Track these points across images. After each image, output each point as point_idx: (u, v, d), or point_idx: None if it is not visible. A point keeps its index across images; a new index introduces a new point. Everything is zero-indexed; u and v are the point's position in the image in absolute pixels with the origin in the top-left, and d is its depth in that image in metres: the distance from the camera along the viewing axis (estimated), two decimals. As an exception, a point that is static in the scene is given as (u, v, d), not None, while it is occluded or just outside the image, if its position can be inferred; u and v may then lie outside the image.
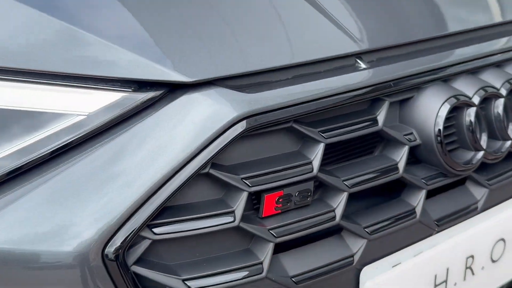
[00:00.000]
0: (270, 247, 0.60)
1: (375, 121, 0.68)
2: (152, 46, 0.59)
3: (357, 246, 0.65)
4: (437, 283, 0.73)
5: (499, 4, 0.87)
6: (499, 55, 0.80)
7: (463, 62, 0.76)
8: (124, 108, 0.58)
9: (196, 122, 0.58)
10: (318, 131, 0.63)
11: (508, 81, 0.77)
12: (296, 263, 0.62)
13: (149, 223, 0.55)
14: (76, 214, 0.54)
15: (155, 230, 0.55)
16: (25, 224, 0.52)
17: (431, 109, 0.70)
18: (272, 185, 0.61)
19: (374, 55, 0.71)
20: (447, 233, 0.73)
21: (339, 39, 0.69)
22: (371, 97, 0.68)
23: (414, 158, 0.73)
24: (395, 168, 0.69)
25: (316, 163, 0.62)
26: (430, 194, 0.73)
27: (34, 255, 0.52)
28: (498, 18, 0.85)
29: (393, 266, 0.68)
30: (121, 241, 0.54)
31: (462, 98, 0.71)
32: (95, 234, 0.53)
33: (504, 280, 0.84)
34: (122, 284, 0.54)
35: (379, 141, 0.71)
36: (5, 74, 0.57)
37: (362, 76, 0.68)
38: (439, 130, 0.70)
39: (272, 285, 0.60)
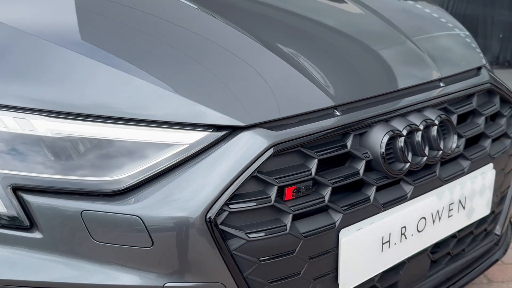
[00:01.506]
0: (290, 217, 1.06)
1: (345, 146, 1.16)
2: (223, 104, 1.06)
3: (337, 217, 1.12)
4: (383, 242, 1.20)
5: (418, 71, 1.38)
6: (419, 104, 1.29)
7: (397, 109, 1.25)
8: (208, 141, 1.04)
9: (247, 148, 1.05)
10: (314, 152, 1.11)
11: (424, 120, 1.25)
12: (304, 226, 1.08)
13: (227, 202, 1.01)
14: (189, 198, 1.00)
15: (230, 206, 1.01)
16: (171, 203, 0.98)
17: (378, 138, 1.18)
18: (289, 182, 1.07)
19: (345, 106, 1.19)
20: (389, 212, 1.20)
21: (324, 97, 1.17)
22: (343, 132, 1.16)
23: (369, 167, 1.21)
24: (357, 173, 1.16)
25: (313, 170, 1.09)
26: (378, 189, 1.20)
27: (172, 219, 0.98)
28: (419, 80, 1.35)
29: (357, 230, 1.15)
30: (213, 212, 0.99)
31: (396, 131, 1.19)
32: (199, 209, 0.99)
33: (426, 244, 1.32)
34: (214, 236, 1.00)
35: (348, 157, 1.19)
36: (145, 123, 1.03)
37: (337, 120, 1.15)
38: (383, 151, 1.18)
39: (291, 238, 1.07)
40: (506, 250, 1.63)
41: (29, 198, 0.98)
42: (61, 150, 1.00)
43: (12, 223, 0.98)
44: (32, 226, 0.98)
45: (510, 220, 1.69)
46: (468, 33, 1.71)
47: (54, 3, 1.34)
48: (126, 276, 0.98)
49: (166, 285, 0.99)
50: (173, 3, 1.40)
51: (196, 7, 1.37)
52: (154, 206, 0.98)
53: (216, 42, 1.22)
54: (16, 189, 0.98)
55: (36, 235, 0.98)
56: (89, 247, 0.98)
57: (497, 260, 1.59)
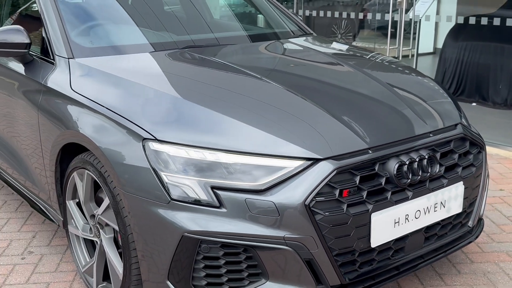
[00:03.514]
0: (345, 205, 2.06)
1: (374, 169, 2.15)
2: (311, 146, 2.09)
3: (370, 207, 2.10)
4: (395, 222, 2.19)
5: (416, 127, 2.37)
6: (416, 146, 2.28)
7: (404, 149, 2.24)
8: (304, 166, 2.05)
9: (323, 170, 2.05)
10: (358, 172, 2.11)
11: (419, 155, 2.24)
12: (353, 210, 2.08)
13: (315, 196, 2.01)
14: (296, 194, 2.01)
15: (316, 198, 2.01)
16: (288, 195, 1.99)
17: (392, 165, 2.18)
18: (345, 187, 2.07)
19: (374, 148, 2.19)
20: (398, 205, 2.17)
21: (363, 142, 2.18)
22: (373, 162, 2.16)
23: (387, 181, 2.19)
24: (381, 184, 2.15)
25: (357, 181, 2.09)
26: (392, 193, 2.19)
27: (286, 205, 1.99)
28: (416, 133, 2.34)
29: (380, 214, 2.13)
30: (309, 200, 2.00)
31: (402, 162, 2.19)
32: (301, 199, 2.00)
33: (421, 226, 2.29)
34: (308, 213, 2.00)
35: (376, 175, 2.18)
36: (272, 156, 2.06)
37: (370, 155, 2.16)
38: (395, 173, 2.17)
39: (346, 216, 2.06)
40: (477, 237, 2.59)
41: (219, 192, 2.02)
42: (232, 169, 2.04)
43: (210, 204, 2.02)
44: (220, 205, 2.02)
45: (479, 218, 2.66)
46: (451, 99, 2.71)
47: (207, 85, 2.41)
48: (267, 230, 2.00)
49: (285, 235, 2.01)
50: (271, 86, 2.45)
51: (282, 87, 2.43)
52: (279, 197, 2.01)
53: (303, 110, 2.26)
54: (213, 188, 2.02)
55: (223, 210, 2.02)
56: (249, 216, 2.00)
57: (470, 242, 2.56)
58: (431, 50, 9.44)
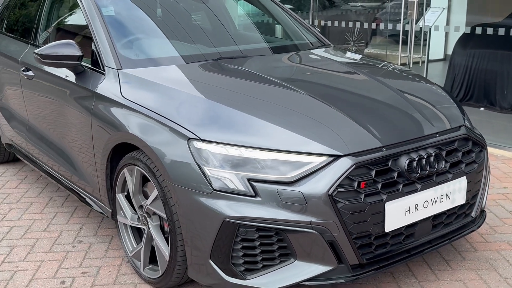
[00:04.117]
0: (363, 195, 2.39)
1: (387, 164, 2.48)
2: (333, 144, 2.42)
3: (384, 197, 2.43)
4: (406, 210, 2.51)
5: (425, 128, 2.70)
6: (425, 145, 2.61)
7: (413, 148, 2.58)
8: (326, 161, 2.39)
9: (344, 164, 2.39)
10: (373, 167, 2.44)
11: (427, 153, 2.57)
12: (369, 199, 2.41)
13: (336, 187, 2.34)
14: (320, 185, 2.35)
15: (338, 189, 2.35)
16: (313, 186, 2.33)
17: (403, 161, 2.50)
18: (362, 179, 2.41)
19: (388, 146, 2.52)
20: (409, 196, 2.50)
21: (378, 142, 2.51)
22: (386, 158, 2.49)
23: (399, 175, 2.52)
24: (393, 177, 2.48)
25: (373, 175, 2.43)
26: (403, 185, 2.52)
27: (312, 194, 2.33)
28: (425, 133, 2.67)
29: (393, 203, 2.45)
30: (331, 190, 2.34)
31: (412, 158, 2.52)
32: (325, 189, 2.34)
33: (429, 215, 2.61)
34: (331, 201, 2.34)
35: (389, 170, 2.50)
36: (299, 153, 2.40)
37: (384, 153, 2.49)
38: (405, 168, 2.50)
39: (364, 204, 2.39)
40: (479, 226, 2.91)
41: (254, 183, 2.36)
42: (265, 164, 2.38)
43: (247, 194, 2.37)
44: (255, 195, 2.36)
45: (482, 209, 2.97)
46: (456, 104, 3.03)
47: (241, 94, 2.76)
48: (295, 216, 2.34)
49: (311, 221, 2.34)
50: (296, 93, 2.79)
51: (304, 93, 2.77)
52: (306, 187, 2.35)
53: (326, 114, 2.60)
54: (249, 180, 2.37)
55: (258, 199, 2.36)
56: (280, 204, 2.34)
57: (473, 231, 2.87)
58: (442, 57, 9.76)
